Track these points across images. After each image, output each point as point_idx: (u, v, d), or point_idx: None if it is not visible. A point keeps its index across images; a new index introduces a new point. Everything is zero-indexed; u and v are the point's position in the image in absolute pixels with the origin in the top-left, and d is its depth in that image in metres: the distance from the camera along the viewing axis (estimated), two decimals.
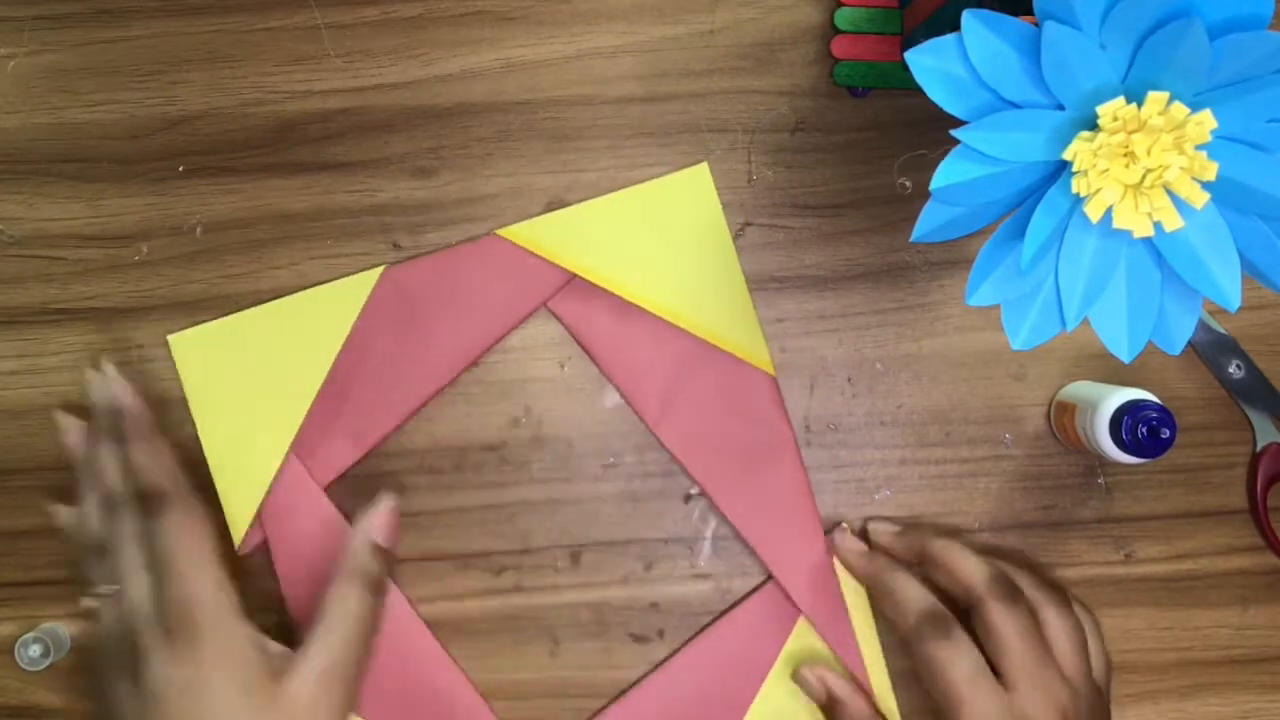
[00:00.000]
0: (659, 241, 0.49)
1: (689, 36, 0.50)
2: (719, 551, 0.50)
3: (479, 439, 0.50)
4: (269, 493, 0.48)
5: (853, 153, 0.50)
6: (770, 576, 0.49)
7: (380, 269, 0.49)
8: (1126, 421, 0.44)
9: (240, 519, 0.48)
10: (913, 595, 0.45)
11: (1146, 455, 0.44)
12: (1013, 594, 0.44)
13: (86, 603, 0.42)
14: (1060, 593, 0.45)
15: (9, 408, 0.49)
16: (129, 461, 0.44)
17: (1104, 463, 0.50)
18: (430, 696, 0.48)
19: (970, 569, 0.44)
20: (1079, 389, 0.48)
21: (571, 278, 0.49)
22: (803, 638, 0.49)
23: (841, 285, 0.50)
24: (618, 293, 0.49)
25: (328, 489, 0.49)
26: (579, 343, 0.49)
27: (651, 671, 0.49)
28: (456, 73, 0.50)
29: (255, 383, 0.49)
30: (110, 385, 0.47)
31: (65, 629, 0.49)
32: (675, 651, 0.49)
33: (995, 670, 0.43)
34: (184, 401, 0.49)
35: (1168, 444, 0.44)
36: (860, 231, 0.50)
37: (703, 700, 0.49)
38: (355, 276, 0.49)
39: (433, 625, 0.49)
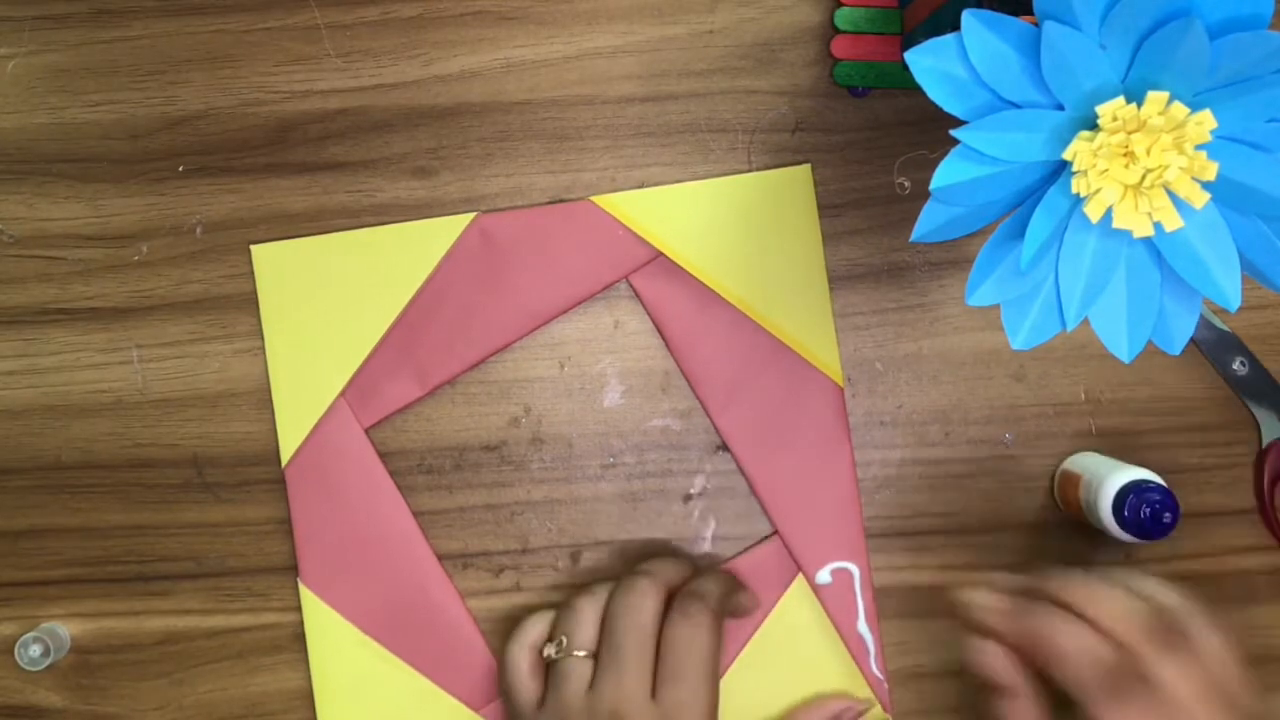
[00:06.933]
0: (750, 234, 0.49)
1: (689, 36, 0.50)
2: (719, 551, 0.50)
3: (479, 439, 0.50)
4: (322, 417, 0.49)
5: (853, 153, 0.50)
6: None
7: (472, 215, 0.49)
8: (1130, 501, 0.44)
9: (291, 439, 0.49)
10: (1085, 645, 0.40)
11: (1148, 537, 0.44)
12: (1173, 640, 0.39)
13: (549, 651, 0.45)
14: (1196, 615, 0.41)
15: (9, 408, 0.49)
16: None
17: None
18: (422, 607, 0.49)
19: (1117, 612, 0.40)
20: (1085, 460, 0.48)
21: (658, 255, 0.49)
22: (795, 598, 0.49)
23: (841, 285, 0.50)
24: (700, 278, 0.49)
25: (381, 423, 0.49)
26: (653, 320, 0.50)
27: None
28: (456, 73, 0.50)
29: (329, 306, 0.49)
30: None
31: (65, 629, 0.49)
32: None
33: None
34: (181, 404, 0.49)
35: (1169, 528, 0.44)
36: (860, 231, 0.50)
37: None
38: (445, 219, 0.49)
39: None
